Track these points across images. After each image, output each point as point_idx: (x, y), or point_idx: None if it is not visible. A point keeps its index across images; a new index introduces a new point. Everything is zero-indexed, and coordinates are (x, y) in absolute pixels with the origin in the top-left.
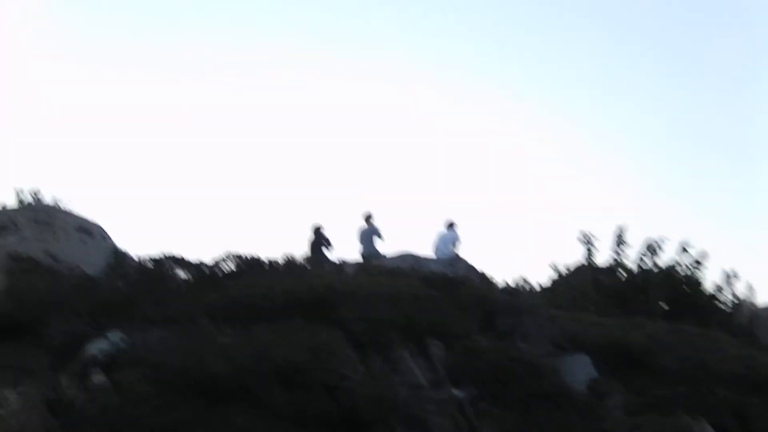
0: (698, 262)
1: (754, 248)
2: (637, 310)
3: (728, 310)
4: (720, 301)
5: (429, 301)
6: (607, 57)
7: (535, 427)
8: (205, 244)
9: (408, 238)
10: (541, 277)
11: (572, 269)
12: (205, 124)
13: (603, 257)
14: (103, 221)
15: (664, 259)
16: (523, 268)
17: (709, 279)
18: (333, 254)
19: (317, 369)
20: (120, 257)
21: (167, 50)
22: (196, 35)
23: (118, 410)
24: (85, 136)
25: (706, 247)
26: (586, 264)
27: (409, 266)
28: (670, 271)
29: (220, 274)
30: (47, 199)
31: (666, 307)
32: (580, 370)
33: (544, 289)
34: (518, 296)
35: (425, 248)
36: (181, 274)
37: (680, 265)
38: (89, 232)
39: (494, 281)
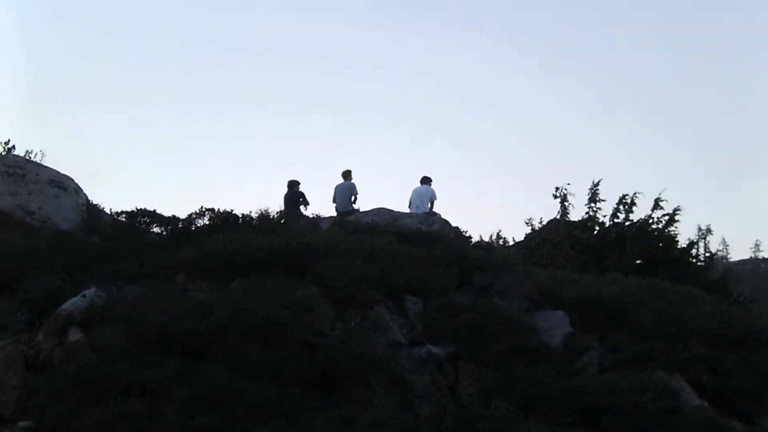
0: (672, 218)
1: (728, 203)
2: (612, 266)
3: (702, 266)
4: (694, 257)
5: (405, 258)
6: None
7: (512, 383)
8: (178, 199)
9: (384, 193)
10: (516, 232)
11: (547, 225)
12: (184, 80)
13: (578, 213)
14: (76, 175)
15: (639, 214)
16: (499, 223)
17: (683, 234)
18: (309, 210)
19: (295, 326)
20: (94, 212)
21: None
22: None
23: (96, 368)
24: (59, 89)
25: (680, 202)
26: (560, 220)
27: (384, 222)
28: (644, 227)
29: (195, 230)
30: (19, 151)
31: (640, 263)
32: (556, 326)
33: (519, 245)
34: (494, 252)
35: (401, 204)
36: (156, 229)
37: (654, 221)
38: (62, 186)
39: (469, 237)
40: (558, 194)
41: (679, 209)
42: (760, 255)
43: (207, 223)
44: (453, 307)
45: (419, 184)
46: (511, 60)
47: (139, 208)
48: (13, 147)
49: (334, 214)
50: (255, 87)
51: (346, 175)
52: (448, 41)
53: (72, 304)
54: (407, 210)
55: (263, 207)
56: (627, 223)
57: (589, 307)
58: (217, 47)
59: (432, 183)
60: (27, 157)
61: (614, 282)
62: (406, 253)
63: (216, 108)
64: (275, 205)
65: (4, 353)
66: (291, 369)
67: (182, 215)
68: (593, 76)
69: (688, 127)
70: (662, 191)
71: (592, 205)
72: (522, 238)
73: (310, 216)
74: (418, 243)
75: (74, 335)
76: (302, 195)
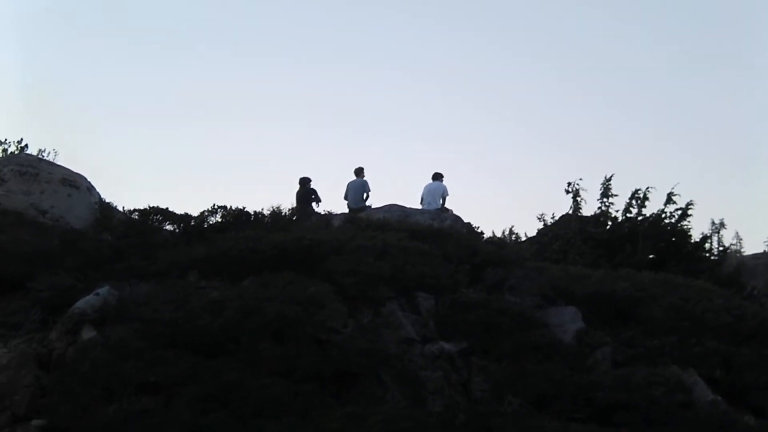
0: (685, 212)
1: (741, 197)
2: (624, 261)
3: (715, 260)
4: (707, 251)
5: (417, 254)
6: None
7: (525, 378)
8: (191, 197)
9: (395, 190)
10: (528, 228)
11: (559, 220)
12: (194, 79)
13: (590, 208)
14: (88, 174)
15: (651, 209)
16: (511, 219)
17: (697, 228)
18: (320, 207)
19: (307, 323)
20: (106, 210)
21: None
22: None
23: (109, 365)
24: (70, 88)
25: (693, 196)
26: (573, 215)
27: (396, 218)
28: (657, 221)
29: (207, 228)
30: (32, 150)
31: (653, 257)
32: (568, 322)
33: (531, 241)
34: (506, 248)
35: (412, 200)
36: (168, 227)
37: (667, 215)
38: (75, 184)
39: (481, 233)
40: (570, 189)
41: (691, 203)
42: None
43: (219, 220)
44: (465, 303)
45: (431, 181)
46: (522, 55)
47: (151, 205)
48: (26, 146)
49: (346, 210)
50: (267, 85)
51: (359, 172)
52: (458, 38)
53: (85, 302)
54: (419, 206)
55: (275, 204)
56: (639, 218)
57: (602, 302)
58: (228, 45)
59: (444, 179)
60: (40, 156)
61: (627, 277)
62: (417, 250)
63: (229, 106)
64: (287, 202)
65: (18, 352)
66: (303, 366)
67: (195, 213)
68: (606, 70)
69: (702, 121)
70: (675, 185)
71: (605, 200)
72: (534, 234)
73: (322, 213)
74: (429, 239)
75: (87, 333)
76: (314, 192)
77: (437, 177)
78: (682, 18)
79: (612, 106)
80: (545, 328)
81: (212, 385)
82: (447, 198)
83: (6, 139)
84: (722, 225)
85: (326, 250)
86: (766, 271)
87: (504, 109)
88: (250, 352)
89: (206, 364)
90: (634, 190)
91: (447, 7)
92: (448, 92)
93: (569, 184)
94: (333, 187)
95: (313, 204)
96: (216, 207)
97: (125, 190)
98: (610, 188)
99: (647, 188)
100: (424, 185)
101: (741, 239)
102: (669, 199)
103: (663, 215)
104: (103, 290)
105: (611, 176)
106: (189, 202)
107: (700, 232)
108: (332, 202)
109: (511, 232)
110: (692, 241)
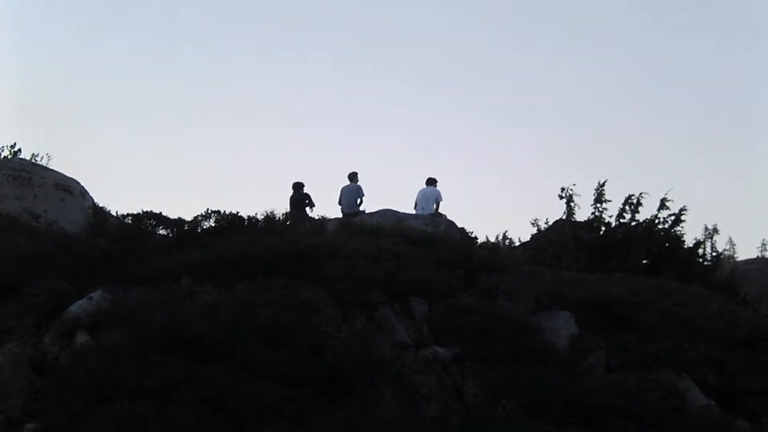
0: (678, 218)
1: (734, 203)
2: (618, 266)
3: (709, 265)
4: (700, 256)
5: (411, 259)
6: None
7: (519, 383)
8: (184, 202)
9: (389, 195)
10: (521, 233)
11: (553, 225)
12: (187, 84)
13: (583, 213)
14: (82, 178)
15: (645, 214)
16: (504, 224)
17: (690, 234)
18: (314, 212)
19: (301, 328)
20: (100, 215)
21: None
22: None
23: (102, 370)
24: (62, 94)
25: (687, 202)
26: (566, 220)
27: (390, 223)
28: (650, 227)
29: (201, 232)
30: (25, 155)
31: (646, 263)
32: (562, 327)
33: (524, 246)
34: (499, 253)
35: (406, 205)
36: (162, 231)
37: (660, 221)
38: (68, 189)
39: (475, 238)
40: (563, 195)
41: (685, 209)
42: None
43: (213, 225)
44: (459, 308)
45: (425, 186)
46: (516, 59)
47: (145, 210)
48: (19, 150)
49: (340, 215)
50: (261, 88)
51: (353, 176)
52: (452, 40)
53: (78, 306)
54: (413, 211)
55: (269, 209)
56: (633, 224)
57: (596, 307)
58: (223, 47)
59: (437, 184)
60: (33, 161)
61: (620, 282)
62: (411, 255)
63: (221, 109)
64: (281, 207)
65: (11, 356)
66: (297, 371)
67: (188, 217)
68: (598, 75)
69: (695, 127)
70: (668, 191)
71: (598, 205)
72: (528, 239)
73: (316, 218)
74: (423, 244)
75: (81, 338)
76: (308, 197)
77: (431, 182)
78: (680, 23)
79: (606, 112)
80: (539, 333)
81: (206, 390)
82: (441, 203)
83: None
84: (715, 230)
85: (320, 255)
86: (760, 276)
87: (498, 114)
88: (243, 356)
89: (200, 368)
90: (627, 195)
91: (443, 8)
92: (443, 98)
93: (563, 189)
94: (327, 192)
95: (307, 209)
96: (210, 211)
97: (119, 195)
98: (604, 194)
99: (640, 194)
100: (417, 190)
101: (734, 245)
102: (662, 205)
103: (656, 221)
104: (97, 295)
105: (605, 182)
106: (182, 206)
107: (694, 237)
108: (326, 206)
109: (504, 237)
110: (686, 246)
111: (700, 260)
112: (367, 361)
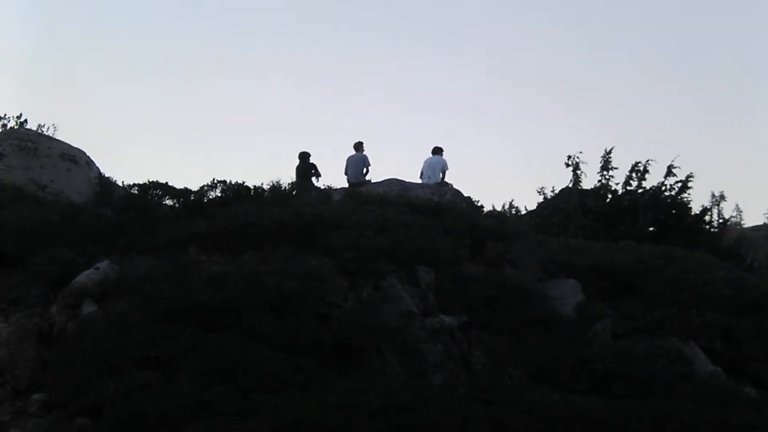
0: (685, 185)
1: (742, 169)
2: (625, 234)
3: (716, 232)
4: (707, 223)
5: (417, 228)
6: None
7: (525, 351)
8: (191, 171)
9: (395, 164)
10: (528, 201)
11: (559, 193)
12: (194, 54)
13: (590, 181)
14: (87, 148)
15: (651, 181)
16: (511, 193)
17: (697, 201)
18: (320, 182)
19: (307, 297)
20: (106, 185)
21: None
22: None
23: (110, 340)
24: (68, 63)
25: (694, 169)
26: (573, 188)
27: (396, 193)
28: (657, 194)
29: (207, 202)
30: (31, 125)
31: (653, 230)
32: (568, 295)
33: (531, 214)
34: (506, 221)
35: (412, 175)
36: (168, 201)
37: (667, 188)
38: (74, 159)
39: (481, 207)
40: (570, 162)
41: (692, 176)
42: None
43: (219, 195)
44: (465, 276)
45: (431, 155)
46: (521, 26)
47: (151, 180)
48: (26, 121)
49: (346, 185)
50: (265, 58)
51: (358, 146)
52: (456, 7)
53: (85, 277)
54: (419, 180)
55: (275, 179)
56: (640, 191)
57: (602, 275)
58: (227, 17)
59: (443, 153)
60: (39, 131)
61: (627, 249)
62: (417, 224)
63: (228, 79)
64: (287, 176)
65: (18, 326)
66: (304, 340)
67: (194, 187)
68: (604, 40)
69: (702, 93)
70: (675, 158)
71: (605, 173)
72: (534, 207)
73: (322, 187)
74: (429, 213)
75: (88, 308)
76: (314, 166)
77: (437, 151)
78: None
79: (612, 78)
80: (545, 301)
81: (213, 360)
82: (447, 172)
83: (5, 114)
84: (722, 197)
85: (326, 224)
86: (766, 243)
87: (505, 82)
88: (250, 326)
89: (207, 338)
90: (634, 162)
91: None
92: (449, 64)
93: (569, 157)
94: (333, 162)
95: (313, 178)
96: (216, 181)
97: (125, 164)
98: (611, 161)
99: (647, 161)
100: (423, 159)
101: (741, 211)
102: (669, 172)
103: (663, 188)
104: (104, 265)
105: (611, 149)
106: (189, 176)
107: (701, 204)
108: (332, 176)
109: (511, 205)
110: (692, 213)
111: (707, 227)
112: (374, 330)
